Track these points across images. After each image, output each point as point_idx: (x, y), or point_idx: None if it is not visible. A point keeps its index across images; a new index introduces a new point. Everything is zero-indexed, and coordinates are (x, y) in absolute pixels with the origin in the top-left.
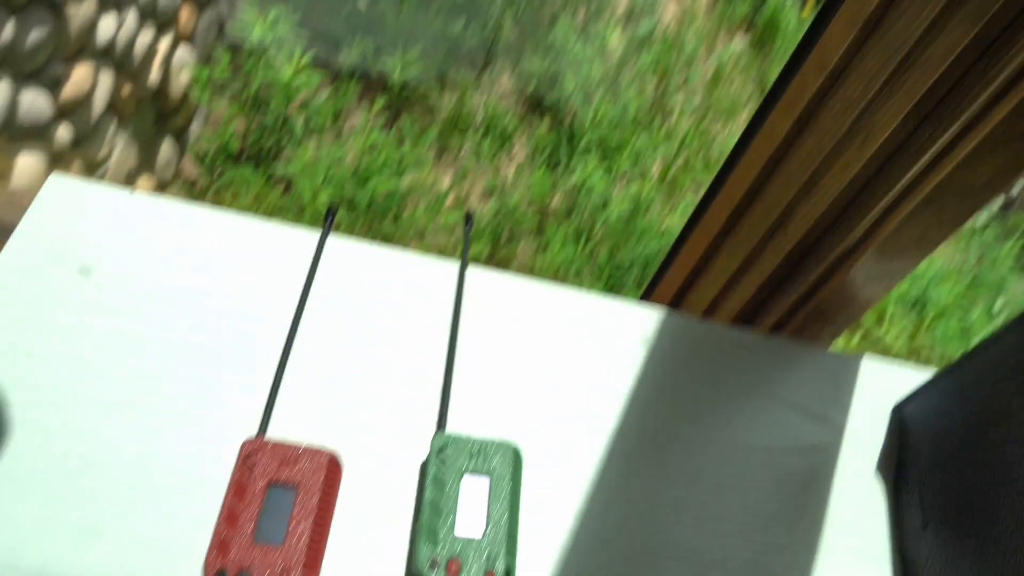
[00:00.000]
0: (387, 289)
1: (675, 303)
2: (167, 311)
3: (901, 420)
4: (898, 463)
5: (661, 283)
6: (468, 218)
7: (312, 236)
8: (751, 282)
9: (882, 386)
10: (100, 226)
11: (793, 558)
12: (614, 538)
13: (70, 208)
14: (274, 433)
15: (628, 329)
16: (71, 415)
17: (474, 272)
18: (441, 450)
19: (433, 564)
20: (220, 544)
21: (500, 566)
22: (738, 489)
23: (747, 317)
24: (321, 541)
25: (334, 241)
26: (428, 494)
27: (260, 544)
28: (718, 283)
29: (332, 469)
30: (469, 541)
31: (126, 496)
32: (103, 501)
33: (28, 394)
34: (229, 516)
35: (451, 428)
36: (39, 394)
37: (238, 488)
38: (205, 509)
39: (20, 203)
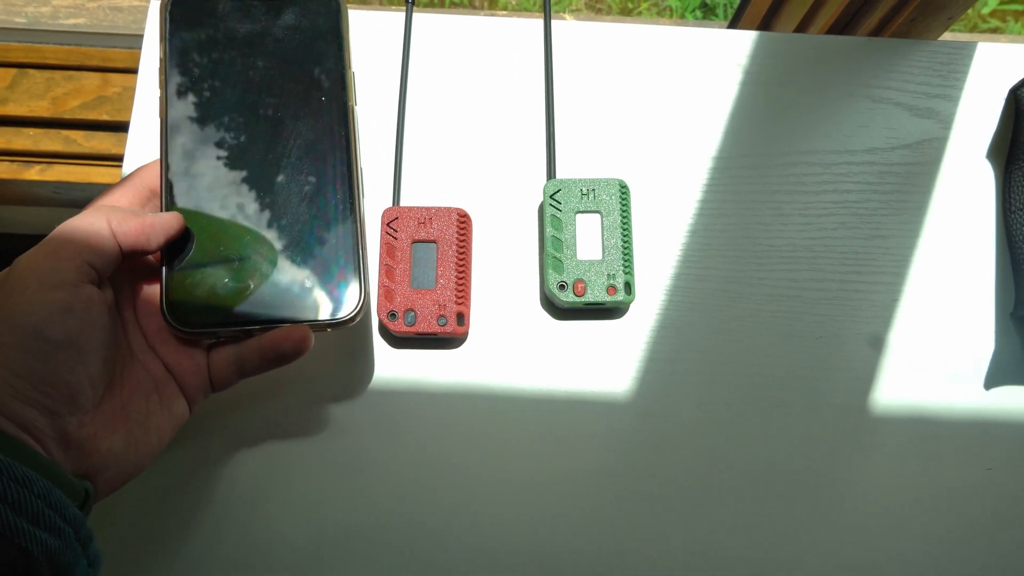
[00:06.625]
0: (477, 55)
1: (763, 28)
2: None
3: (1017, 100)
4: (1012, 143)
5: (747, 9)
6: None
7: (397, 16)
8: None
9: (998, 70)
10: None
11: (894, 244)
12: (720, 244)
13: None
14: (406, 200)
15: (720, 55)
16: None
17: (559, 24)
18: (554, 194)
19: (562, 286)
20: (386, 292)
21: (620, 281)
22: (838, 190)
23: (841, 29)
24: (466, 281)
25: (419, 17)
26: (548, 232)
27: (417, 290)
28: None
29: (462, 222)
30: (590, 264)
31: None
32: None
33: None
34: (387, 271)
35: (560, 174)
36: None
37: (388, 249)
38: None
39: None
